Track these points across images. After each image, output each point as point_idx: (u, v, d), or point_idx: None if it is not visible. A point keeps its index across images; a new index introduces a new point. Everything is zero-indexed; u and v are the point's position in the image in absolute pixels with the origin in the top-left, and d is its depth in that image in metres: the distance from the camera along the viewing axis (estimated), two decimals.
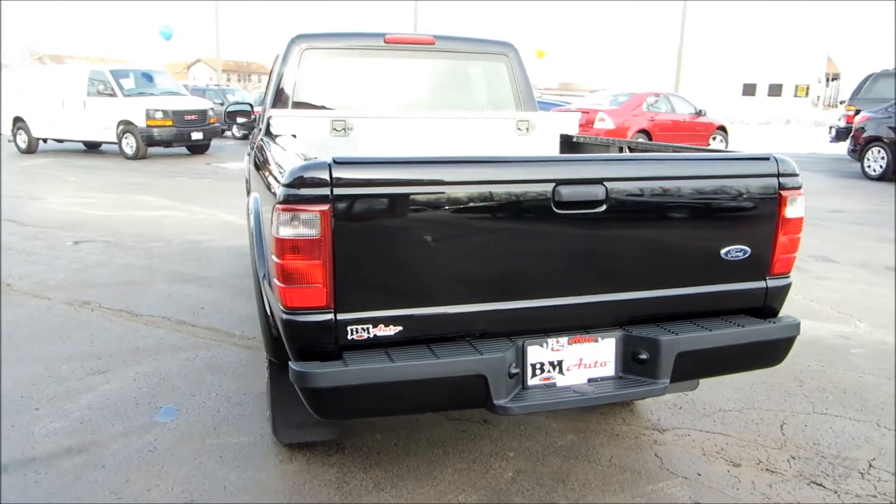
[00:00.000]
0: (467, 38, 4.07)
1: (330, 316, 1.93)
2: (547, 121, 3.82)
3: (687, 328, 2.21)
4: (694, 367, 2.23)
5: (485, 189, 1.98)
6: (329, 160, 1.86)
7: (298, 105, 3.72)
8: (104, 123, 13.92)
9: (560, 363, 2.13)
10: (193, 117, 14.27)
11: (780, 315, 2.39)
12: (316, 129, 3.41)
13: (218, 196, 9.33)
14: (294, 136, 3.27)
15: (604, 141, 3.64)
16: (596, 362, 2.16)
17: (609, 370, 2.18)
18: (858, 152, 12.33)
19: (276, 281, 1.95)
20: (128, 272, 5.43)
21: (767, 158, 2.25)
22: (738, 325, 2.25)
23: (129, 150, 13.86)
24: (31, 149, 15.15)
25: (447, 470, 2.67)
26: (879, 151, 11.93)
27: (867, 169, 12.15)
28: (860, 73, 16.47)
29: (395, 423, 3.00)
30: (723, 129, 16.40)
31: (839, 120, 14.92)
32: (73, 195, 9.35)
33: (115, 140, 13.97)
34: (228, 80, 54.88)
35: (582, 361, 2.15)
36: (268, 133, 3.52)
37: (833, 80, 53.72)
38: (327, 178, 1.84)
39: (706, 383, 3.16)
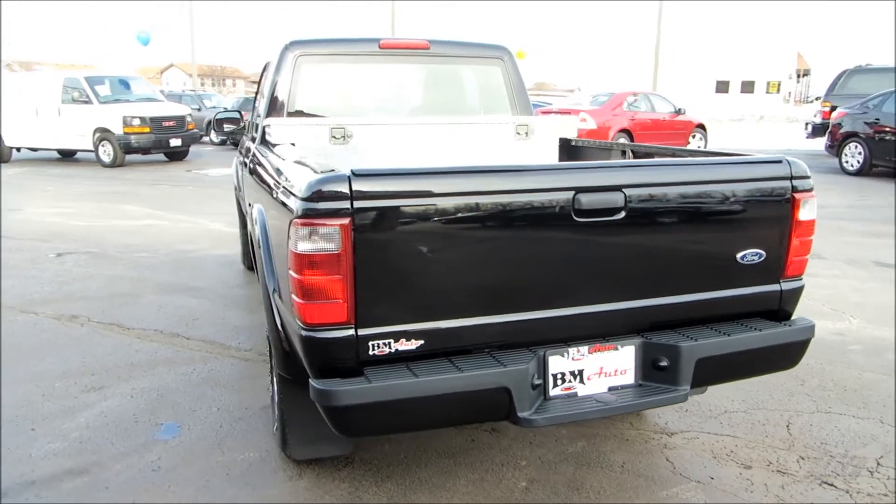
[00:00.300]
0: (462, 42, 4.04)
1: (351, 332, 1.88)
2: (546, 125, 3.80)
3: (706, 334, 2.19)
4: (713, 373, 2.22)
5: (505, 198, 1.95)
6: (348, 172, 1.81)
7: (294, 113, 3.66)
8: (80, 131, 13.67)
9: (581, 372, 2.11)
10: (171, 123, 14.06)
11: (793, 317, 2.40)
12: (315, 137, 3.36)
13: (201, 204, 9.20)
14: (293, 144, 3.22)
15: (604, 144, 3.63)
16: (616, 370, 2.14)
17: (629, 378, 2.16)
18: (836, 148, 12.55)
19: (294, 297, 1.90)
20: (115, 284, 5.32)
21: (780, 161, 2.26)
22: (756, 329, 2.24)
23: (106, 158, 13.64)
24: (4, 158, 14.84)
25: (460, 481, 2.64)
26: (857, 146, 12.14)
27: (845, 164, 12.36)
28: (830, 69, 16.76)
29: (403, 434, 2.95)
30: (702, 127, 16.56)
31: (815, 116, 15.16)
32: (52, 205, 9.15)
33: (92, 148, 13.74)
34: (203, 84, 54.22)
35: (602, 370, 2.13)
36: (263, 141, 3.46)
37: (804, 75, 54.55)
38: (347, 190, 1.80)
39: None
